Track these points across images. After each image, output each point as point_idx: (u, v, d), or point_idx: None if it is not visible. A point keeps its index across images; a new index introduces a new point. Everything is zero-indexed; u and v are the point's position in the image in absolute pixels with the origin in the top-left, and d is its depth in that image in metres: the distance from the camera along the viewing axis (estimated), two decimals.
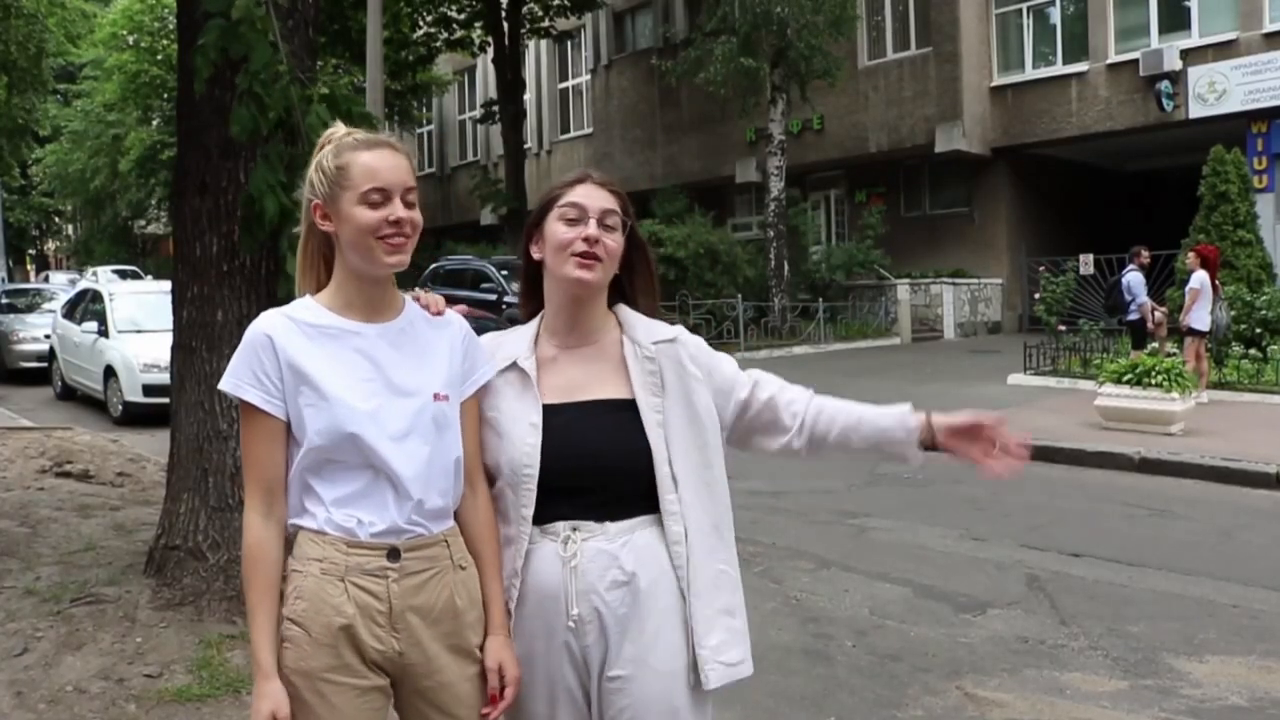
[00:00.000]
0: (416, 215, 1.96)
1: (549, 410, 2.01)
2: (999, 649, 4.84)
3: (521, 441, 1.99)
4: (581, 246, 1.98)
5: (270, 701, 1.86)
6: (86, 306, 14.27)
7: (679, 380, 2.06)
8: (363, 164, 1.93)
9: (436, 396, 1.97)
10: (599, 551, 1.97)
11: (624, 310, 2.13)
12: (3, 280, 30.99)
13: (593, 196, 2.02)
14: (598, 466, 1.99)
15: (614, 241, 2.03)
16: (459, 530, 2.02)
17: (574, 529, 1.98)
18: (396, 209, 1.92)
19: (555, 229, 2.02)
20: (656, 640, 1.99)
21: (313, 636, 1.90)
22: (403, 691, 1.99)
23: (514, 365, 2.06)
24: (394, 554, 1.92)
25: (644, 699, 1.98)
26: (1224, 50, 18.92)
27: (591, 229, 1.99)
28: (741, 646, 2.07)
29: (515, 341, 2.10)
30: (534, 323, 2.13)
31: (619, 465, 2.00)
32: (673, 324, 2.15)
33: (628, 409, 2.02)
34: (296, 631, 1.91)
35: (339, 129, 2.04)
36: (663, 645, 1.99)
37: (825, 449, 2.15)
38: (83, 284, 18.47)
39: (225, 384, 1.94)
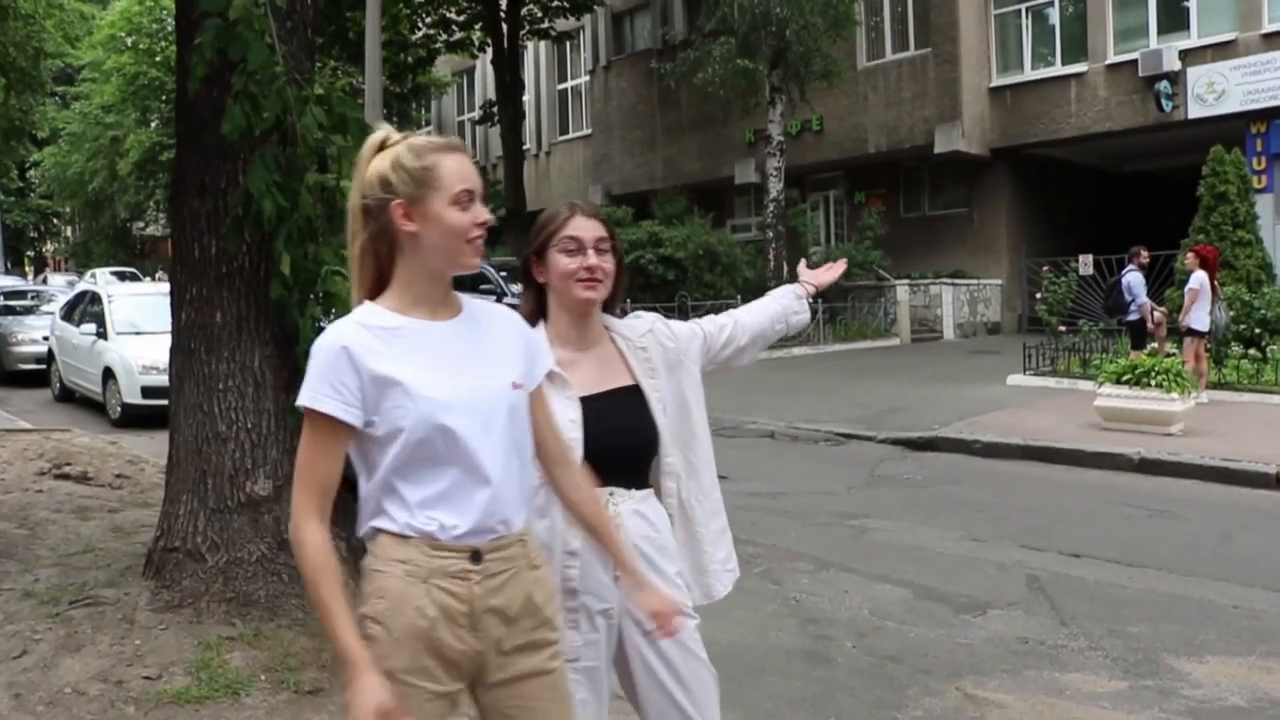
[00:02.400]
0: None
1: (582, 401, 2.35)
2: (999, 650, 4.84)
3: (564, 435, 2.28)
4: (584, 274, 2.35)
5: (374, 695, 1.85)
6: (85, 308, 14.26)
7: (664, 358, 2.50)
8: (451, 167, 1.97)
9: (514, 385, 2.04)
10: (633, 511, 2.37)
11: (603, 316, 2.50)
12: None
13: (586, 228, 2.38)
14: (625, 446, 2.39)
15: (608, 263, 2.40)
16: (531, 530, 2.11)
17: (610, 494, 2.35)
18: (481, 211, 2.00)
19: (558, 260, 2.36)
20: (676, 582, 2.41)
21: (393, 635, 1.93)
22: (478, 689, 2.04)
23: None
24: (476, 556, 1.97)
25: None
26: (1223, 50, 18.93)
27: (591, 258, 2.35)
28: (732, 549, 2.59)
29: None
30: (540, 333, 2.38)
31: (639, 444, 2.42)
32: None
33: (635, 393, 2.43)
34: (377, 629, 1.94)
35: (390, 133, 2.05)
36: (679, 586, 2.42)
37: (758, 339, 2.74)
38: (81, 286, 18.45)
39: (303, 399, 1.93)
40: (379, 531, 1.98)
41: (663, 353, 2.49)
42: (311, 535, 1.93)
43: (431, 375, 1.94)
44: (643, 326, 2.53)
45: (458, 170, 1.97)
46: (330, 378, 1.92)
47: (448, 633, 1.94)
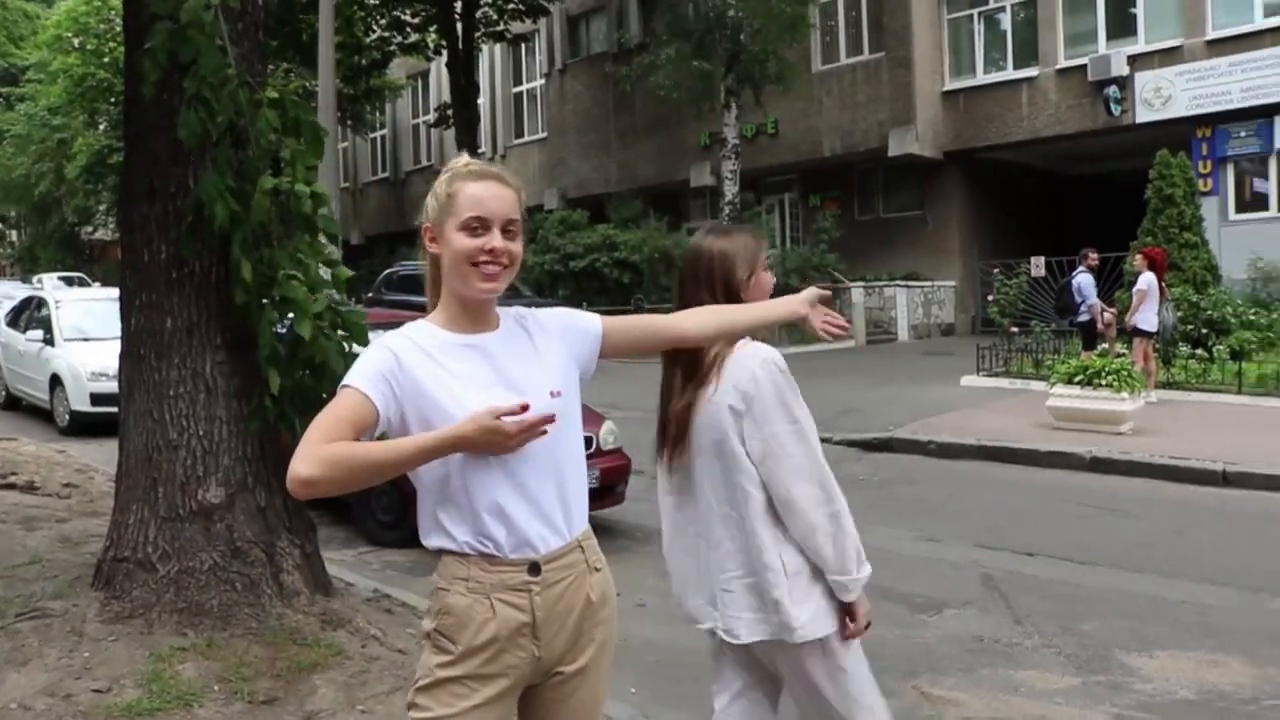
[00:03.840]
0: (515, 246, 2.03)
1: None
2: (954, 648, 4.89)
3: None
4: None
5: (475, 419, 1.84)
6: (31, 314, 14.00)
7: None
8: (469, 193, 2.01)
9: (552, 394, 2.04)
10: None
11: None
12: None
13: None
14: None
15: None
16: (591, 532, 2.14)
17: None
18: (494, 239, 2.00)
19: (767, 278, 2.56)
20: None
21: (460, 649, 1.99)
22: (530, 687, 2.09)
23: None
24: (534, 568, 2.01)
25: None
26: (1169, 57, 19.28)
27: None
28: None
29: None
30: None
31: None
32: None
33: None
34: (445, 643, 2.00)
35: (462, 159, 2.11)
36: None
37: None
38: (27, 290, 18.10)
39: (345, 380, 1.95)
40: (441, 551, 2.02)
41: None
42: (320, 447, 1.83)
43: (466, 394, 1.95)
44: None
45: (473, 196, 2.00)
46: (368, 367, 1.95)
47: (511, 644, 2.00)
